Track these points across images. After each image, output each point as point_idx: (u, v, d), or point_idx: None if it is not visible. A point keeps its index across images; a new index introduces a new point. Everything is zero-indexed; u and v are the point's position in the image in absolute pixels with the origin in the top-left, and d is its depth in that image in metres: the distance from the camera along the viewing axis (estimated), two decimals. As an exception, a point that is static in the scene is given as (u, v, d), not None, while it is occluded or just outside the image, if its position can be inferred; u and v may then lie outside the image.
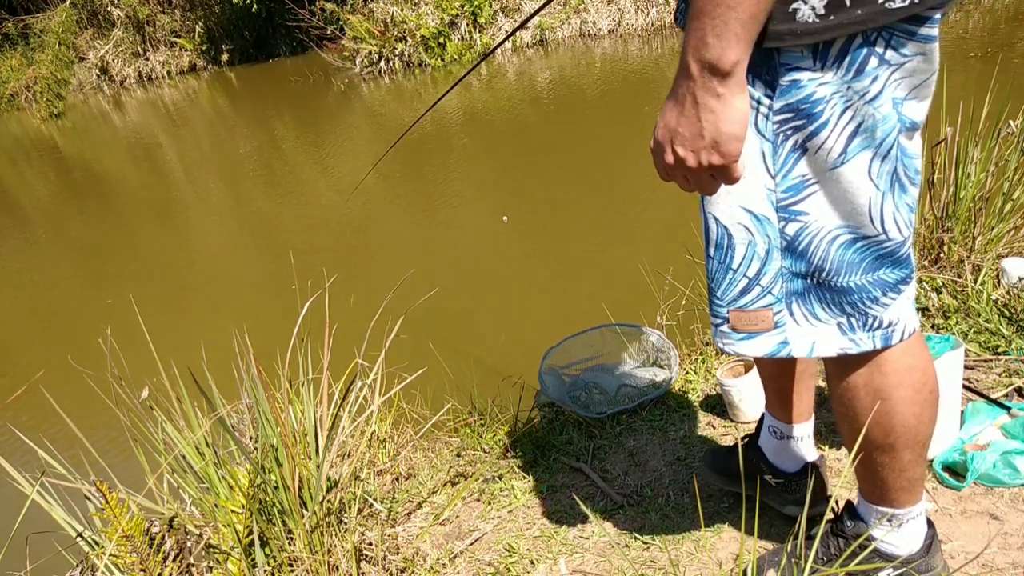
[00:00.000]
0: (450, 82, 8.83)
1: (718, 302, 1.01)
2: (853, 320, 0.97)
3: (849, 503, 1.21)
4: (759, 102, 0.87)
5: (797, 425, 1.36)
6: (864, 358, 1.01)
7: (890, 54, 0.82)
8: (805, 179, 0.89)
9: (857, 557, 1.15)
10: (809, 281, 0.95)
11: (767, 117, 0.87)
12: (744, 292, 0.98)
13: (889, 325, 0.97)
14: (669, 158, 0.84)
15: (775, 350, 0.99)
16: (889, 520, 1.13)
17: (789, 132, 0.87)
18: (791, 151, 0.88)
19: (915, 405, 1.01)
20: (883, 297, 0.95)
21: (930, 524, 1.17)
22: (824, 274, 0.94)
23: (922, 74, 0.85)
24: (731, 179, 0.84)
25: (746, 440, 1.49)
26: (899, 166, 0.89)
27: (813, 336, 0.98)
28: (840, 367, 1.04)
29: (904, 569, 1.16)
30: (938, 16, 0.83)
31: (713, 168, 0.82)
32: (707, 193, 0.89)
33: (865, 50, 0.82)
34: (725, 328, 1.02)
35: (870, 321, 0.97)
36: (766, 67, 0.85)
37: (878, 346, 0.98)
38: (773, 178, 0.90)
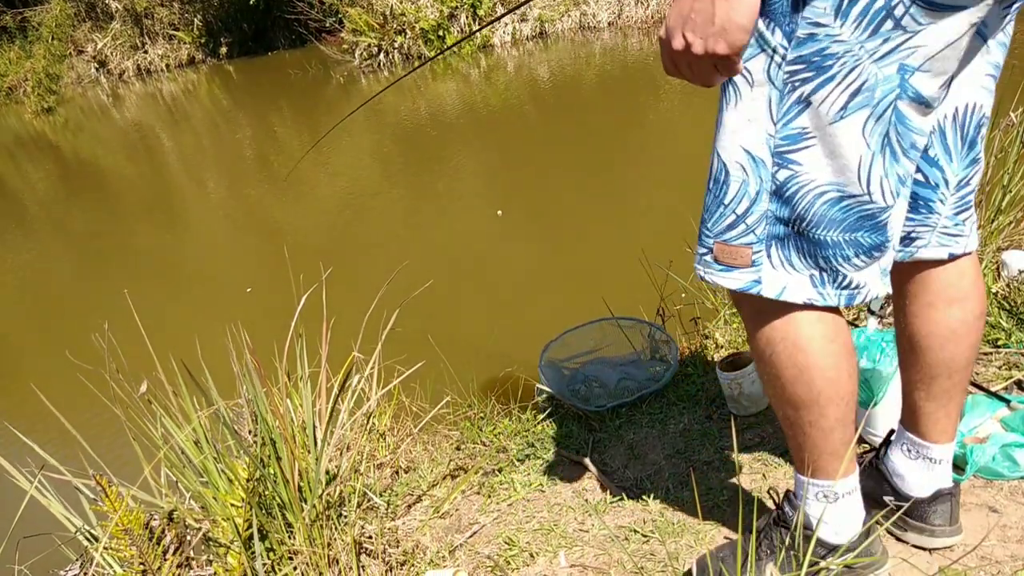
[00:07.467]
0: (449, 75, 8.81)
1: (707, 233, 1.06)
2: (825, 275, 1.01)
3: (788, 492, 1.23)
4: (775, 51, 0.91)
5: (937, 445, 1.25)
6: (779, 312, 1.04)
7: (907, 20, 0.85)
8: (804, 131, 0.93)
9: (800, 548, 1.15)
10: (790, 228, 0.99)
11: (779, 66, 0.91)
12: (731, 227, 1.03)
13: (856, 287, 1.01)
14: (679, 43, 0.88)
15: (747, 286, 1.04)
16: (825, 495, 1.14)
17: (797, 83, 0.91)
18: (795, 102, 0.92)
19: (831, 356, 1.05)
20: (855, 258, 0.99)
21: (867, 510, 1.18)
22: (804, 224, 0.98)
23: (938, 47, 0.87)
24: (732, 70, 0.90)
25: (869, 456, 1.40)
26: (892, 130, 0.92)
27: (785, 281, 1.02)
28: (756, 322, 1.07)
29: (846, 557, 1.17)
30: None
31: (716, 57, 0.87)
32: (707, 85, 0.93)
33: (884, 13, 0.85)
34: (708, 258, 1.07)
35: (840, 279, 1.01)
36: (788, 18, 0.89)
37: (842, 304, 1.02)
38: (775, 124, 0.94)
